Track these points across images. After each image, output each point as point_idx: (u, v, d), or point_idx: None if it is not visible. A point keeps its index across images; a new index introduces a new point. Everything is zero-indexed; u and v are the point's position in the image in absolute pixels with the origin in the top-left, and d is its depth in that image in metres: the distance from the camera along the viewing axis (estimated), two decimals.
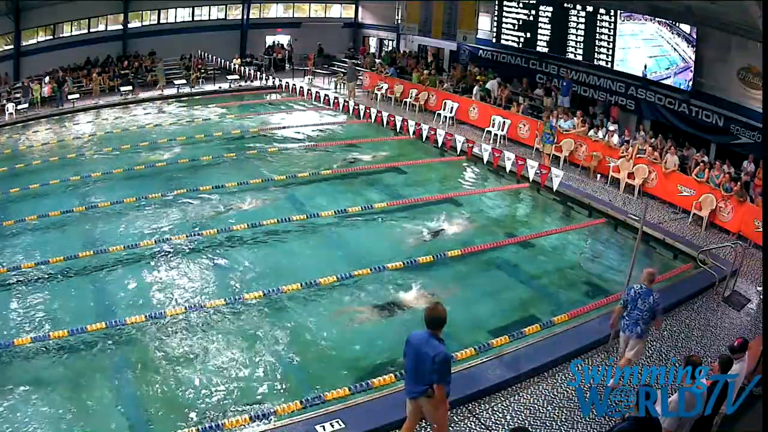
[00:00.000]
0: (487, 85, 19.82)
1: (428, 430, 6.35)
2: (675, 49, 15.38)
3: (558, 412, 6.80)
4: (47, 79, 21.70)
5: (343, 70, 24.89)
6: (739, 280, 10.08)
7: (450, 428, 6.44)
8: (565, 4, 18.01)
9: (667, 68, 15.78)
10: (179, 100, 22.84)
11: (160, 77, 23.77)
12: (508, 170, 14.80)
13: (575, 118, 16.04)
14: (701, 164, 13.11)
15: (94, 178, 14.17)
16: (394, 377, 7.18)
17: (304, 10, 29.42)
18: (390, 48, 28.11)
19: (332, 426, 6.21)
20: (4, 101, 20.41)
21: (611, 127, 15.42)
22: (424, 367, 5.26)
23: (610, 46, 17.00)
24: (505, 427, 6.53)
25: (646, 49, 16.20)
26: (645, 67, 16.06)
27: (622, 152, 14.36)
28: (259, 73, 25.14)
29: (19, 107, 20.37)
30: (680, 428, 5.53)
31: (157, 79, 23.89)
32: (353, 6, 29.57)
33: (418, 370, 5.34)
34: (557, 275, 10.38)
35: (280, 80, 24.37)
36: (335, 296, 9.32)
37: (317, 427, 6.18)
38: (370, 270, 9.84)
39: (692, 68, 15.04)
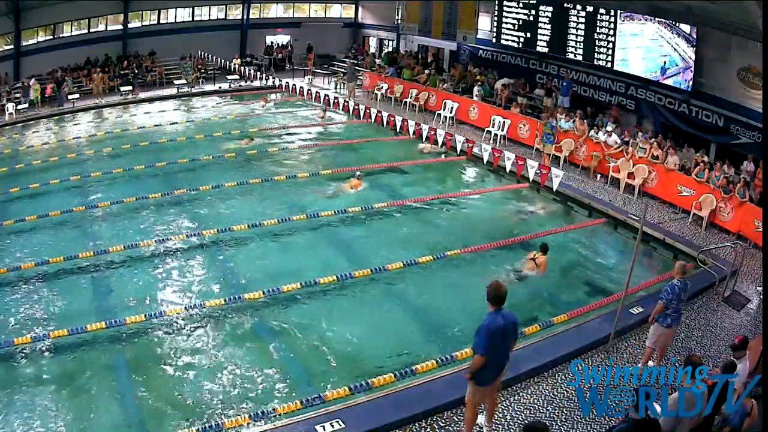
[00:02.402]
0: (497, 85, 19.76)
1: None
2: (675, 49, 15.38)
3: (558, 412, 6.80)
4: (32, 80, 21.57)
5: (343, 70, 24.91)
6: (739, 280, 10.08)
7: (450, 428, 6.45)
8: (565, 4, 18.01)
9: (668, 68, 15.76)
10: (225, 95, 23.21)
11: (185, 76, 23.89)
12: (508, 170, 14.80)
13: (576, 120, 16.02)
14: (701, 164, 13.11)
15: (94, 178, 14.18)
16: (393, 377, 7.18)
17: (304, 10, 29.44)
18: (390, 48, 28.11)
19: (332, 426, 6.21)
20: (4, 101, 20.42)
21: (610, 127, 15.42)
22: (508, 342, 5.85)
23: (610, 46, 17.00)
24: (505, 427, 6.54)
25: (646, 49, 16.18)
26: (664, 63, 15.83)
27: (615, 149, 14.45)
28: (259, 73, 25.15)
29: (19, 107, 20.38)
30: (679, 428, 5.53)
31: (179, 78, 24.10)
32: (353, 6, 29.58)
33: (506, 348, 5.85)
34: (557, 275, 10.36)
35: (280, 80, 24.39)
36: (335, 296, 9.31)
37: (317, 427, 6.18)
38: (371, 270, 9.84)
39: (692, 68, 15.04)
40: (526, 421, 6.57)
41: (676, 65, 15.48)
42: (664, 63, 15.84)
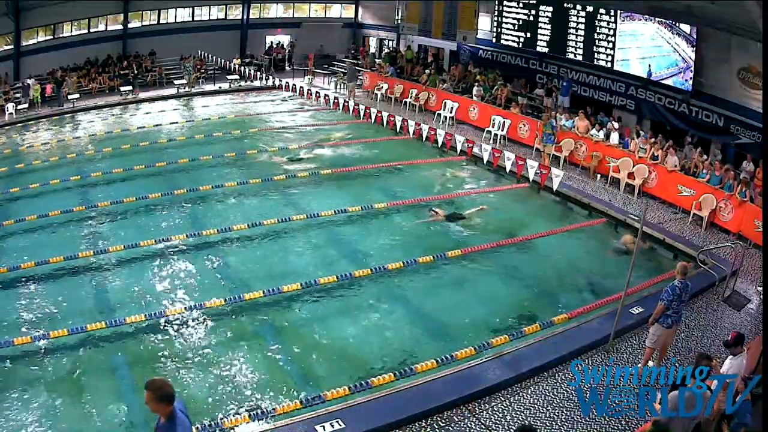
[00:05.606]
0: (493, 91, 19.75)
1: None
2: (675, 49, 15.37)
3: (558, 412, 6.80)
4: (30, 81, 21.52)
5: (343, 70, 24.90)
6: (739, 280, 10.08)
7: (450, 428, 6.45)
8: (565, 4, 18.00)
9: (668, 68, 15.76)
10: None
11: (187, 76, 23.94)
12: (508, 170, 14.80)
13: (577, 118, 16.03)
14: (701, 164, 13.11)
15: (94, 178, 14.17)
16: (393, 377, 7.19)
17: (304, 10, 29.43)
18: (391, 48, 28.11)
19: (332, 426, 6.20)
20: (4, 101, 20.41)
21: (610, 125, 15.41)
22: None
23: (610, 46, 17.00)
24: (505, 427, 6.53)
25: (646, 49, 16.17)
26: (649, 66, 15.92)
27: (630, 150, 14.37)
28: (259, 73, 25.15)
29: (19, 107, 20.38)
30: (680, 428, 5.52)
31: (184, 77, 24.07)
32: (353, 6, 29.58)
33: None
34: (557, 275, 10.36)
35: (280, 80, 24.39)
36: (335, 296, 9.31)
37: (317, 427, 6.18)
38: (371, 270, 9.84)
39: (692, 68, 15.04)
40: (525, 422, 6.57)
41: (676, 65, 15.47)
42: (649, 67, 15.86)
